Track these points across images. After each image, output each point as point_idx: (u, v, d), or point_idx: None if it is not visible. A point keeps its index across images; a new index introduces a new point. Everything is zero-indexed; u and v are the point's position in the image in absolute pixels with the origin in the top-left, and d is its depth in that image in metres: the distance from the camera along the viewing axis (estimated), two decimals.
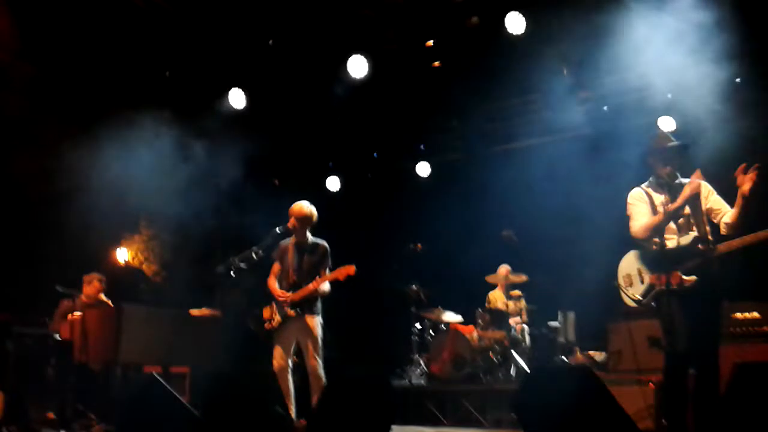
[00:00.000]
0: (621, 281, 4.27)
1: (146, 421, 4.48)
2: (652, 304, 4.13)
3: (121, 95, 8.15)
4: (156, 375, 4.80)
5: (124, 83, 8.04)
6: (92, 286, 6.63)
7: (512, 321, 7.80)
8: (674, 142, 4.21)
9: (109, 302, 6.61)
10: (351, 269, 5.31)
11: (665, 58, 6.54)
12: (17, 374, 5.98)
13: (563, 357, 7.41)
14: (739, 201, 3.92)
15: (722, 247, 3.96)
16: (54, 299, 6.54)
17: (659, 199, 4.18)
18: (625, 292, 4.22)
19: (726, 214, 4.03)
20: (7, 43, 7.39)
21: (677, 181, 4.19)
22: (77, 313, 5.83)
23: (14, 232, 7.82)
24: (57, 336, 6.18)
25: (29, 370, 6.03)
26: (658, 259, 4.09)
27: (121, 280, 8.41)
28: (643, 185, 4.32)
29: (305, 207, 5.56)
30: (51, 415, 5.83)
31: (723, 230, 4.03)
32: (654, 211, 4.19)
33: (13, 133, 7.68)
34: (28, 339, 6.10)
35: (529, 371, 6.94)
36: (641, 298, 4.13)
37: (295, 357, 5.51)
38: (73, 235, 7.96)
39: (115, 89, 8.09)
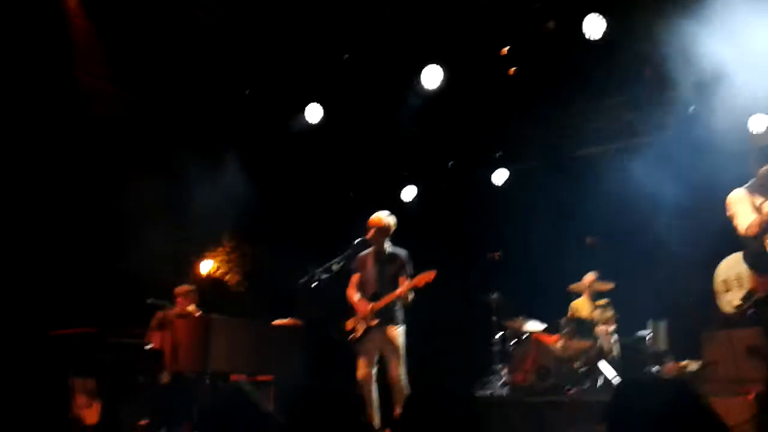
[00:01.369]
0: (717, 287, 4.07)
1: (234, 428, 4.58)
2: (750, 311, 3.92)
3: (204, 115, 8.45)
4: (242, 383, 4.91)
5: (206, 102, 8.33)
6: (185, 298, 6.89)
7: (599, 330, 7.57)
8: None
9: (199, 313, 6.84)
10: (431, 275, 5.32)
11: (753, 55, 6.25)
12: (111, 383, 6.24)
13: (654, 367, 7.13)
14: None
15: None
16: (145, 311, 6.82)
17: (759, 200, 3.98)
18: (721, 299, 4.02)
19: None
20: (97, 68, 7.78)
21: None
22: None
23: (105, 248, 8.19)
24: (149, 346, 6.42)
25: (123, 379, 6.27)
26: (765, 259, 3.88)
27: (206, 292, 8.67)
28: (744, 186, 4.12)
29: (384, 217, 5.61)
30: (144, 422, 6.05)
31: None
32: (757, 213, 3.98)
33: (107, 154, 8.06)
34: (122, 349, 6.35)
35: (619, 382, 6.71)
36: (741, 303, 3.92)
37: (378, 366, 5.52)
38: (162, 249, 8.28)
39: (198, 109, 8.39)
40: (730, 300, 3.99)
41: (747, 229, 4.01)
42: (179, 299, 6.90)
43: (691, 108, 7.75)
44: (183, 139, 8.46)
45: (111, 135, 7.92)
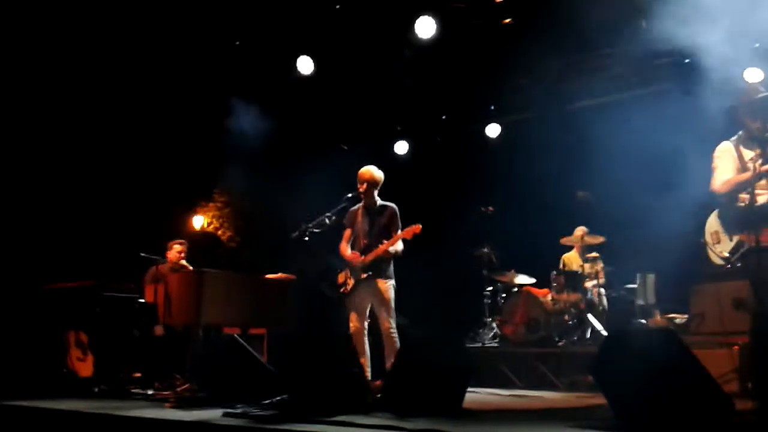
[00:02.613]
0: (708, 238, 4.09)
1: (226, 379, 4.65)
2: (739, 264, 3.95)
3: (196, 66, 8.33)
4: (236, 336, 4.96)
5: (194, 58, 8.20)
6: (175, 252, 6.91)
7: (588, 283, 7.65)
8: (764, 93, 3.98)
9: (190, 267, 6.86)
10: (417, 228, 5.36)
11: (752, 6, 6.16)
12: (105, 336, 6.30)
13: (642, 320, 7.23)
14: None
15: None
16: (138, 265, 6.84)
17: (749, 154, 3.98)
18: (712, 250, 4.04)
19: None
20: None
21: None
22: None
23: (99, 204, 8.18)
24: (142, 300, 6.47)
25: (116, 332, 6.33)
26: (743, 217, 3.89)
27: (198, 246, 8.69)
28: (731, 140, 4.11)
29: (372, 170, 5.65)
30: (138, 374, 6.13)
31: None
32: (743, 167, 3.99)
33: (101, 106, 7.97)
34: (116, 303, 6.39)
35: (607, 334, 6.81)
36: (729, 256, 3.95)
37: (369, 319, 5.58)
38: (153, 204, 8.27)
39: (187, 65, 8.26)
40: (720, 251, 4.01)
41: (716, 188, 4.05)
42: (168, 253, 6.91)
43: (686, 60, 7.66)
44: (180, 92, 8.37)
45: (101, 82, 7.81)
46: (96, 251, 7.85)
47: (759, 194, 3.87)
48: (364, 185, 5.60)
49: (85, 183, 8.21)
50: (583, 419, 3.84)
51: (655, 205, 7.25)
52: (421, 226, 5.36)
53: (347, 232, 5.74)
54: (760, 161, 3.92)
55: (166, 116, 8.57)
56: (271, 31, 7.92)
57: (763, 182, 3.93)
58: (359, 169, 5.71)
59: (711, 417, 3.24)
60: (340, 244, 5.75)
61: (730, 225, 4.00)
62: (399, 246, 5.49)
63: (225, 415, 3.84)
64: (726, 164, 4.07)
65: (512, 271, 8.17)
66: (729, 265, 4.00)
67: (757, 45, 6.89)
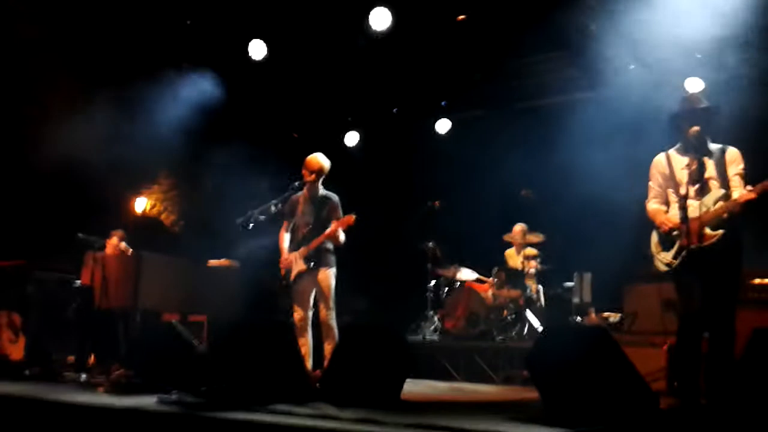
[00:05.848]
0: (653, 248, 4.22)
1: (164, 365, 4.58)
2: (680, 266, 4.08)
3: (141, 48, 8.12)
4: (174, 322, 4.89)
5: (144, 36, 7.99)
6: (113, 243, 6.72)
7: (528, 280, 7.80)
8: (704, 104, 4.12)
9: (130, 250, 6.71)
10: (350, 218, 5.34)
11: (696, 17, 6.38)
12: (38, 318, 6.12)
13: (578, 317, 7.42)
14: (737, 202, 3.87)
15: (745, 195, 3.86)
16: (75, 246, 6.64)
17: (683, 162, 4.12)
18: (658, 259, 4.17)
19: (735, 192, 3.94)
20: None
21: (708, 147, 4.10)
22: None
23: (33, 181, 7.90)
24: (78, 281, 6.29)
25: (50, 314, 6.16)
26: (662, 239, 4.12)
27: (140, 230, 8.50)
28: (670, 150, 4.24)
29: (321, 159, 5.58)
30: (71, 358, 5.97)
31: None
32: (672, 177, 4.14)
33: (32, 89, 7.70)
34: (49, 284, 6.21)
35: (542, 330, 6.97)
36: (672, 260, 4.08)
37: (313, 309, 5.56)
38: (94, 184, 8.03)
39: (136, 43, 8.04)
40: (663, 258, 4.14)
41: (647, 208, 4.28)
42: (108, 242, 6.72)
43: (631, 66, 7.86)
44: (128, 70, 8.14)
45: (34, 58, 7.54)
46: (32, 231, 7.60)
47: (689, 205, 4.01)
48: (312, 175, 5.54)
49: (17, 160, 7.91)
50: (515, 412, 3.93)
51: (596, 207, 7.47)
52: (354, 217, 5.35)
53: (286, 222, 5.68)
54: (694, 167, 4.06)
55: (112, 90, 8.32)
56: (224, 11, 7.78)
57: (692, 191, 4.07)
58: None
59: (637, 413, 3.36)
60: (279, 232, 5.69)
61: (663, 243, 4.16)
62: (341, 236, 5.48)
63: (159, 401, 3.79)
64: (654, 182, 4.25)
65: (456, 265, 8.27)
66: (671, 269, 4.12)
67: (699, 56, 7.15)
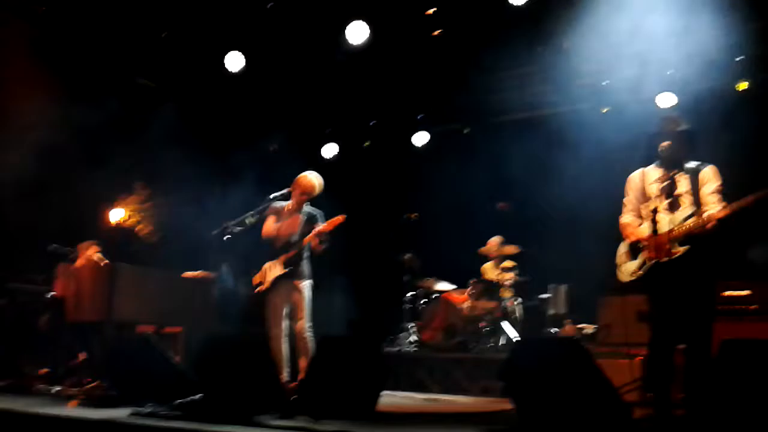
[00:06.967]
0: (618, 259, 4.30)
1: (138, 379, 4.53)
2: (642, 277, 4.16)
3: (117, 58, 8.08)
4: (148, 334, 4.85)
5: (120, 46, 7.95)
6: (87, 254, 6.63)
7: (504, 292, 7.85)
8: (683, 127, 4.18)
9: (104, 261, 6.63)
10: (341, 218, 5.35)
11: (668, 33, 6.53)
12: (10, 330, 6.02)
13: (554, 329, 7.49)
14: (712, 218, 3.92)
15: (717, 213, 3.90)
16: (47, 258, 6.55)
17: (655, 175, 4.20)
18: (621, 269, 4.26)
19: (711, 208, 3.97)
20: None
21: (683, 164, 4.16)
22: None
23: (4, 191, 7.78)
24: (51, 293, 6.20)
25: (22, 325, 6.07)
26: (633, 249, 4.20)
27: (115, 241, 8.41)
28: (647, 167, 4.31)
29: (315, 179, 5.60)
30: (44, 371, 5.88)
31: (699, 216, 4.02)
32: (645, 191, 4.22)
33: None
34: (21, 295, 6.12)
35: (515, 342, 7.02)
36: (636, 270, 4.16)
37: (288, 320, 5.55)
38: (68, 194, 7.93)
39: (112, 52, 8.00)
40: (627, 269, 4.22)
41: (621, 223, 4.34)
42: (81, 253, 6.64)
43: (605, 82, 7.97)
44: (101, 79, 8.07)
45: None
46: (4, 242, 7.48)
47: (659, 219, 4.08)
48: (303, 196, 5.56)
49: None
50: (490, 423, 3.96)
51: (571, 219, 7.57)
52: (344, 217, 5.37)
53: (271, 219, 5.64)
54: (666, 182, 4.14)
55: (88, 99, 8.25)
56: (200, 25, 7.78)
57: (665, 204, 4.15)
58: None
59: (610, 424, 3.40)
60: (263, 228, 5.65)
61: (633, 254, 4.24)
62: (323, 244, 5.47)
63: (132, 414, 3.75)
64: (628, 198, 4.32)
65: (433, 278, 8.30)
66: (635, 279, 4.20)
67: (671, 71, 7.31)
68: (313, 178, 5.61)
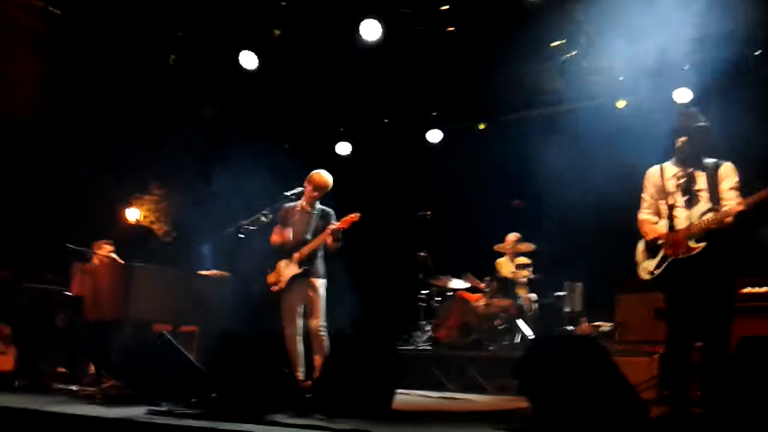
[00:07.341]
0: (638, 256, 4.27)
1: (155, 377, 4.56)
2: (661, 274, 4.12)
3: (134, 54, 8.13)
4: (165, 333, 4.87)
5: (134, 43, 8.00)
6: (103, 253, 6.69)
7: (519, 290, 7.81)
8: (701, 123, 4.14)
9: (120, 260, 6.68)
10: (355, 216, 5.38)
11: (684, 29, 6.46)
12: (27, 329, 6.07)
13: (569, 327, 7.44)
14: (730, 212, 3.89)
15: (735, 207, 3.87)
16: (64, 257, 6.60)
17: (673, 171, 4.16)
18: (641, 266, 4.22)
19: (729, 204, 3.94)
20: None
21: (702, 160, 4.12)
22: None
23: (21, 191, 7.86)
24: (67, 292, 6.26)
25: (39, 325, 6.12)
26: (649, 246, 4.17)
27: (132, 240, 8.48)
28: (665, 162, 4.27)
29: (328, 178, 5.65)
30: (62, 369, 5.93)
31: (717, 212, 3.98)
32: (663, 187, 4.18)
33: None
34: (38, 294, 6.18)
35: (530, 339, 6.98)
36: (655, 269, 4.12)
37: (303, 318, 5.56)
38: (84, 193, 8.00)
39: (128, 49, 8.06)
40: (646, 267, 4.18)
41: (639, 219, 4.29)
42: (99, 251, 6.70)
43: (621, 77, 7.90)
44: (117, 80, 8.14)
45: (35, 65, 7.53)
46: (21, 241, 7.56)
47: (676, 215, 4.05)
48: (315, 193, 5.59)
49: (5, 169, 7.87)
50: (506, 421, 3.94)
51: (587, 216, 7.51)
52: (359, 215, 5.39)
53: (278, 228, 5.68)
54: (684, 178, 4.11)
55: (103, 102, 8.31)
56: (215, 23, 7.80)
57: (683, 200, 4.10)
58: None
59: (627, 422, 3.37)
60: (270, 237, 5.69)
61: (649, 251, 4.20)
62: (337, 242, 5.50)
63: (149, 412, 3.77)
64: (647, 193, 4.29)
65: (448, 275, 8.28)
66: (653, 277, 4.17)
67: (687, 67, 7.23)
68: (325, 175, 5.65)
